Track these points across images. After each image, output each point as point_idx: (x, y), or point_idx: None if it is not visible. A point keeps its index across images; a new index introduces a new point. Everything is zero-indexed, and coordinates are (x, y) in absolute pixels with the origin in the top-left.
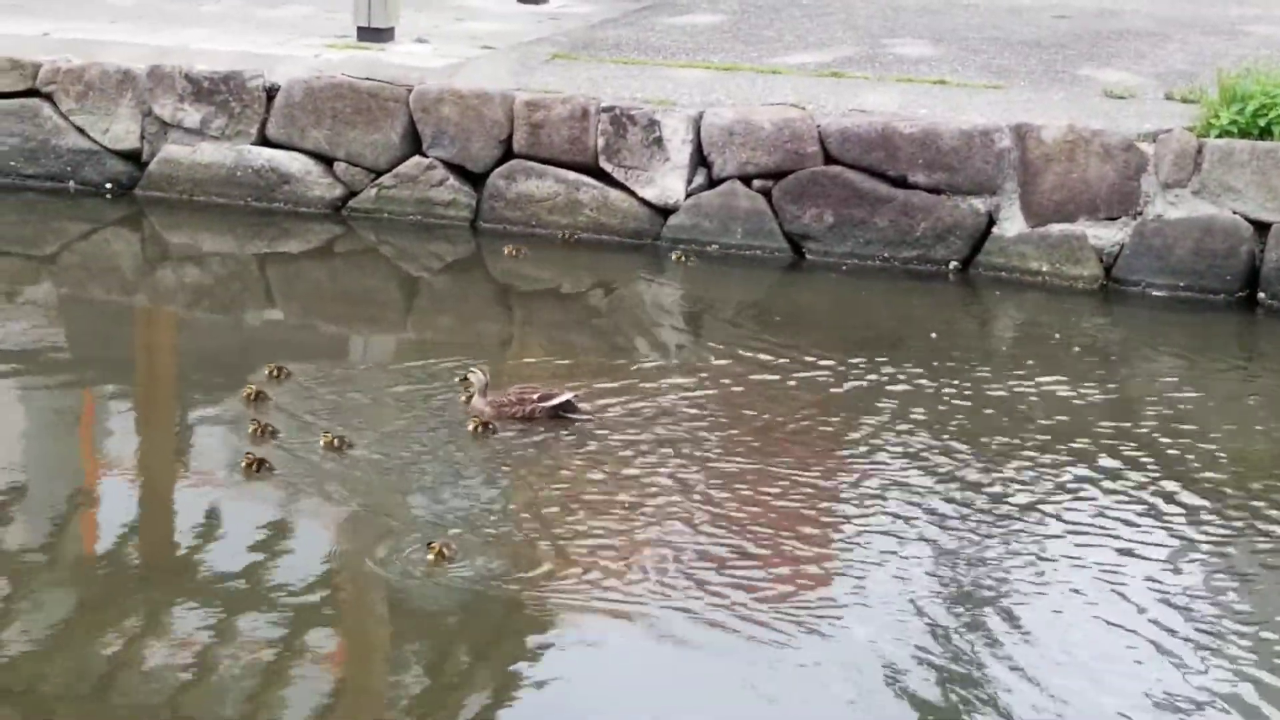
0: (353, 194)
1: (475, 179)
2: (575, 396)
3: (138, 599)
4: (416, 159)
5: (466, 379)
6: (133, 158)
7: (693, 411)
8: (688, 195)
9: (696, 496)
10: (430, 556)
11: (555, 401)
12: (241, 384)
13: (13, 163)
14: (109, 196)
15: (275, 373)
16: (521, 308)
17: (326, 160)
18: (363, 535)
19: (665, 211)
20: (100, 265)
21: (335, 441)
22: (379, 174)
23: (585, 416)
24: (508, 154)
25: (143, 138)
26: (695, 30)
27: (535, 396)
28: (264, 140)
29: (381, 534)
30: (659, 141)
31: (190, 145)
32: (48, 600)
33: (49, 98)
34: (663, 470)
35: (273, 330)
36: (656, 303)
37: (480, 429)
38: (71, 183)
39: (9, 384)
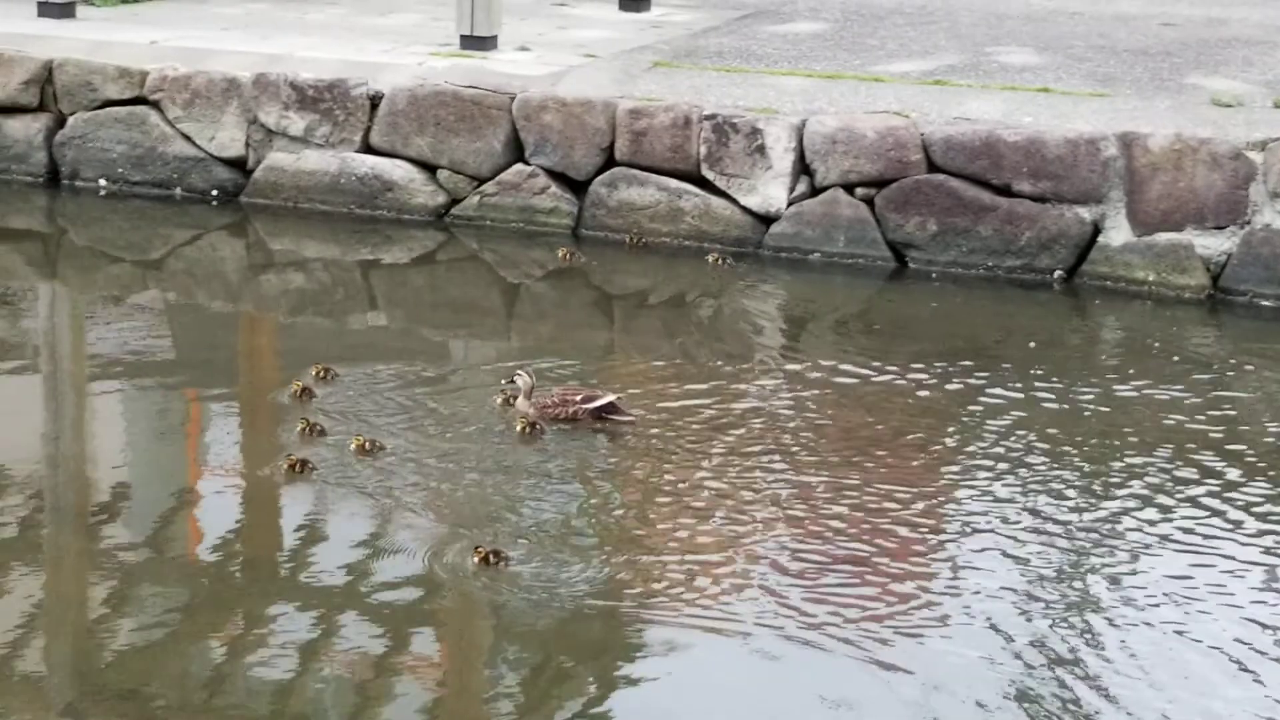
0: (455, 201)
1: (577, 186)
2: (618, 399)
3: (238, 600)
4: (519, 167)
5: (512, 380)
6: (238, 165)
7: (784, 418)
8: (790, 203)
9: (781, 505)
10: (475, 560)
11: (598, 404)
12: (340, 390)
13: (121, 169)
14: (214, 203)
15: (322, 374)
16: (618, 314)
17: (430, 168)
18: (418, 538)
19: (767, 220)
20: (205, 271)
21: (367, 445)
22: (481, 181)
23: (628, 419)
24: (610, 162)
25: (248, 145)
26: (797, 38)
27: (578, 398)
28: (368, 148)
29: (435, 539)
30: (761, 149)
31: (295, 153)
32: (153, 600)
33: (156, 105)
34: (747, 476)
35: (373, 336)
36: (756, 310)
37: (528, 430)
38: (178, 189)
39: (116, 386)
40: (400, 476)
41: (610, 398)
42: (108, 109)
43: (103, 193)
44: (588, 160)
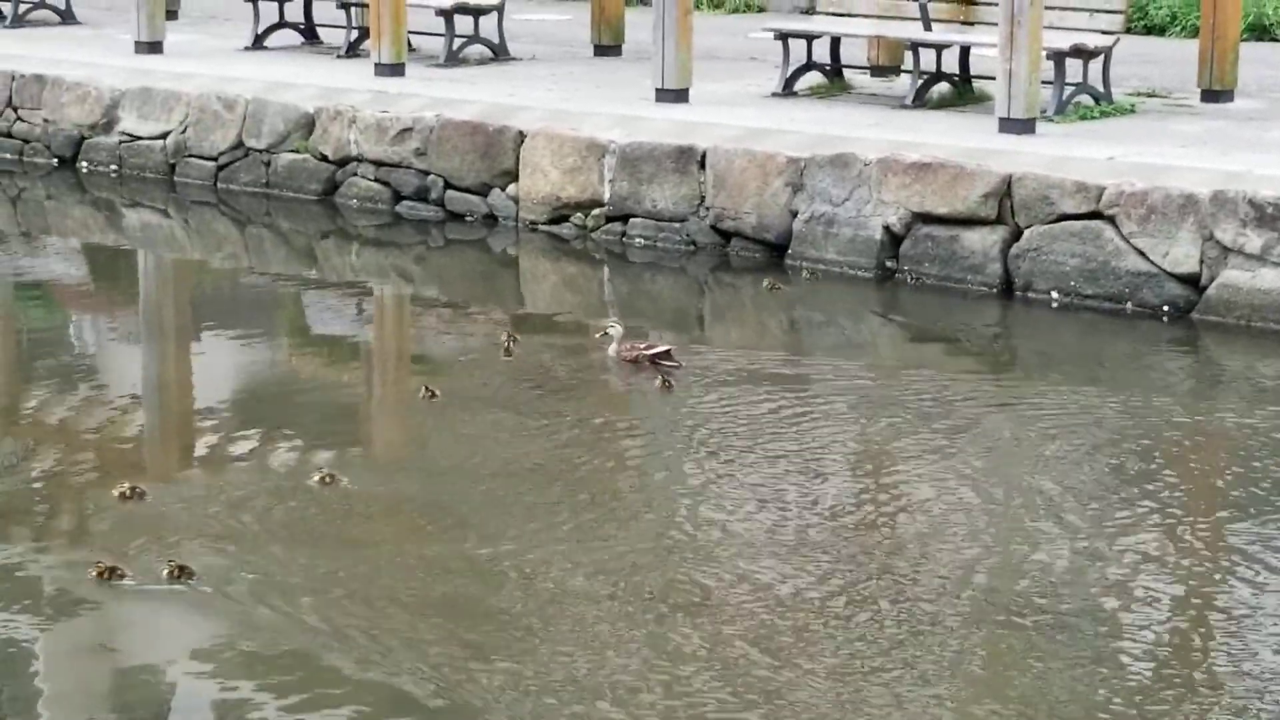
0: None
1: None
2: (672, 349)
3: None
4: None
5: (605, 333)
6: (1190, 281)
7: None
8: None
9: None
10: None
11: (655, 350)
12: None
13: (1073, 282)
14: (1164, 319)
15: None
16: None
17: None
18: None
19: None
20: (1155, 388)
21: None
22: None
23: (674, 365)
24: None
25: (1201, 262)
26: None
27: (643, 346)
28: None
29: None
30: None
31: (1250, 271)
32: None
33: (1111, 220)
34: None
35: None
36: None
37: (664, 384)
38: (1128, 304)
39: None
40: None
41: (666, 347)
42: (1063, 223)
43: (1054, 305)
44: None
